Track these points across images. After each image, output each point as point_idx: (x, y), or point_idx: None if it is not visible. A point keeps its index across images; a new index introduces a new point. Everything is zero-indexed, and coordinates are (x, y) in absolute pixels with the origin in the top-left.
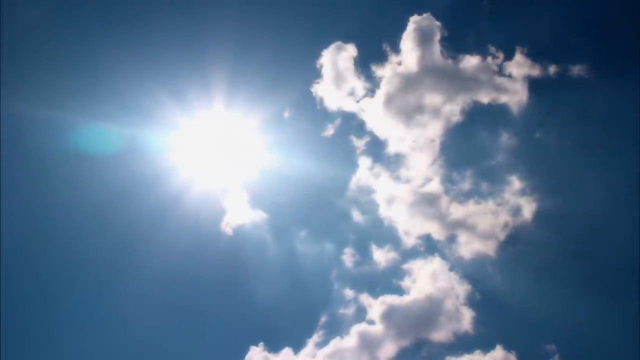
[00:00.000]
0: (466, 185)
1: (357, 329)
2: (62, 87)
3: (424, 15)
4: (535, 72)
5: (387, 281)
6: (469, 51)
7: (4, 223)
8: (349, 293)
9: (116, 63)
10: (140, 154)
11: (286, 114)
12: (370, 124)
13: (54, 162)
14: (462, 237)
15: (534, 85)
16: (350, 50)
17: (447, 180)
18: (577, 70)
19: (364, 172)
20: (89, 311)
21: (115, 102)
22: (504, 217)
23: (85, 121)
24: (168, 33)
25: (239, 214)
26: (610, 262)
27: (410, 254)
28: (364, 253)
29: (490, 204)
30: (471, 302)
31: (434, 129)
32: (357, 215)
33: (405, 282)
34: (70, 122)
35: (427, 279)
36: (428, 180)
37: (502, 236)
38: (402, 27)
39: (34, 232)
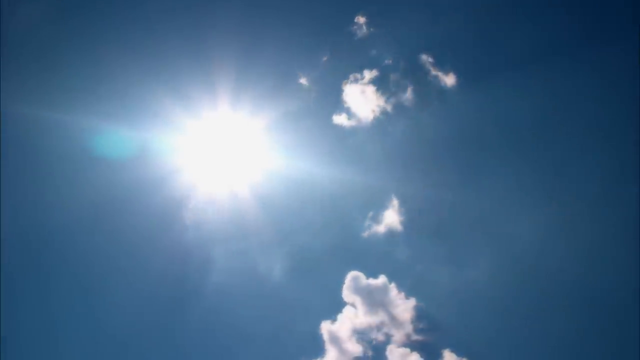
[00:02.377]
0: None
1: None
2: (64, 88)
3: None
4: None
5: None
6: None
7: (4, 224)
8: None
9: (119, 64)
10: (142, 155)
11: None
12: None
13: (54, 163)
14: None
15: None
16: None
17: None
18: None
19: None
20: (87, 311)
21: (117, 104)
22: None
23: (87, 123)
24: (171, 34)
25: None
26: None
27: None
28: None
29: None
30: None
31: None
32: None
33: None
34: (72, 124)
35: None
36: None
37: None
38: None
39: (33, 232)
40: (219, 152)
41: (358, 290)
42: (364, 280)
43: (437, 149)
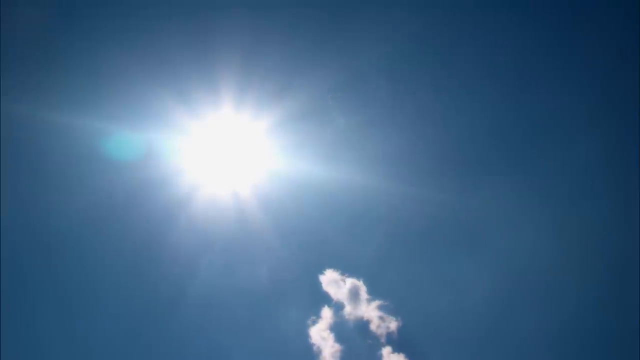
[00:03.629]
0: None
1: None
2: (66, 89)
3: None
4: None
5: None
6: None
7: (3, 224)
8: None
9: (123, 66)
10: (145, 156)
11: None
12: None
13: (57, 165)
14: None
15: None
16: None
17: None
18: None
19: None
20: (89, 311)
21: (120, 105)
22: None
23: (90, 124)
24: (174, 34)
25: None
26: None
27: None
28: None
29: None
30: None
31: None
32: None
33: None
34: (75, 125)
35: None
36: None
37: None
38: None
39: (32, 233)
40: (221, 153)
41: (343, 289)
42: (350, 279)
43: (430, 153)
